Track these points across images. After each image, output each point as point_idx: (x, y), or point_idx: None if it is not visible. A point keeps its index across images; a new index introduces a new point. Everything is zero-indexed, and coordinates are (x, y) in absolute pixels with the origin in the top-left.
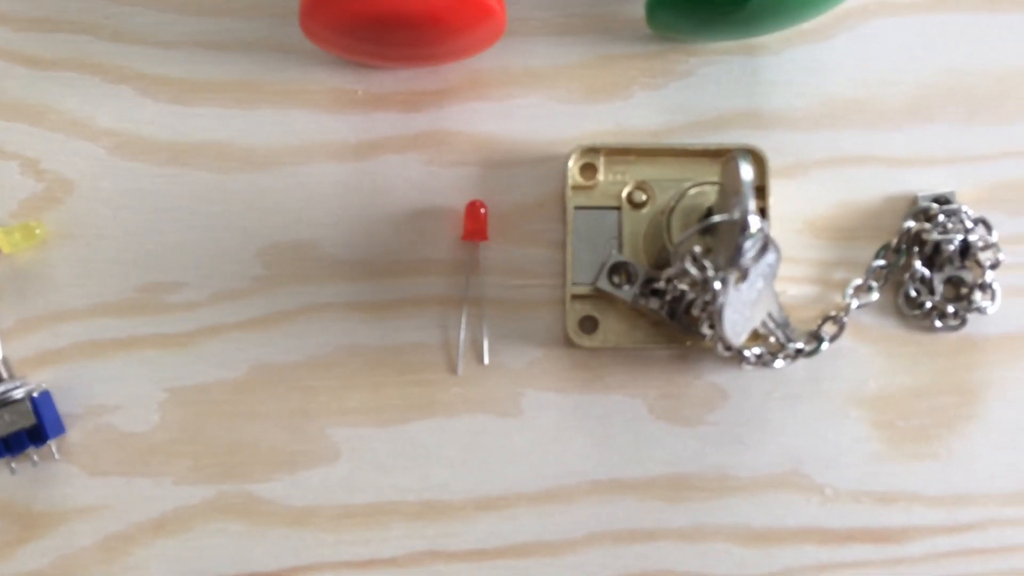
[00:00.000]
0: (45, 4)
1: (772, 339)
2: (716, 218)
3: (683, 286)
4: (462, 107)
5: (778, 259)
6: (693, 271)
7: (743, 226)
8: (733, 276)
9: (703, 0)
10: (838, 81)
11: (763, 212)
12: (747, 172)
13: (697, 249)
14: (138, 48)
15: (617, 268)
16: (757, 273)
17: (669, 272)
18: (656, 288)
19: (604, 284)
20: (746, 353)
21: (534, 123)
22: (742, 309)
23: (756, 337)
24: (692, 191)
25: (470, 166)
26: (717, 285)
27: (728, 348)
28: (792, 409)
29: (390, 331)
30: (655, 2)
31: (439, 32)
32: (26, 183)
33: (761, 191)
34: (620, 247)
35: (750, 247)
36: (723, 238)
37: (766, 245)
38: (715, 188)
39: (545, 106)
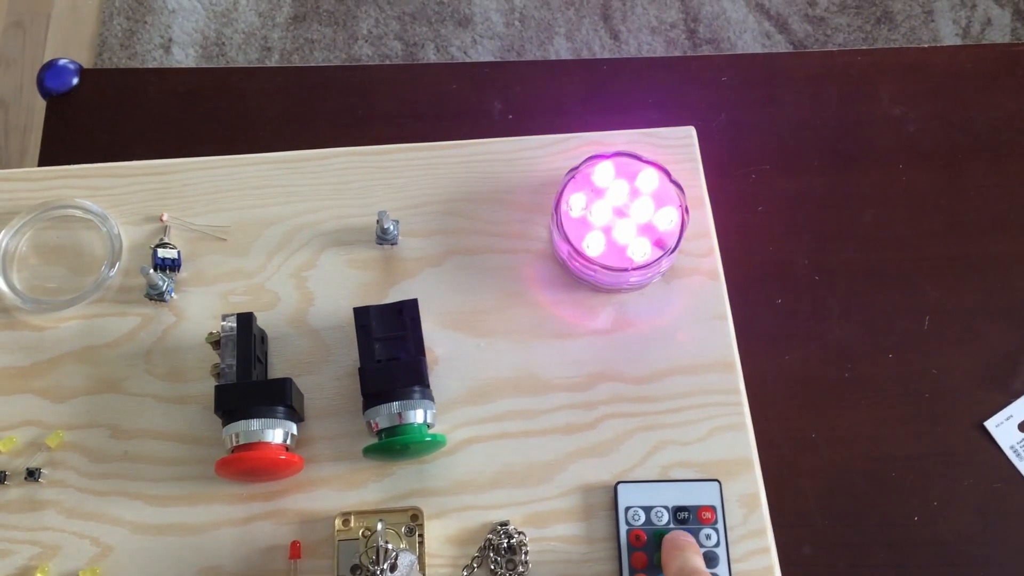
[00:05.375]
0: None
1: None
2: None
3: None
4: (293, 496)
5: (414, 560)
6: (372, 568)
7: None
8: (388, 568)
9: (390, 455)
10: (466, 472)
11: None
12: (382, 536)
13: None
14: None
15: (355, 567)
16: (404, 564)
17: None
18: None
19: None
20: None
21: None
22: None
23: None
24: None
25: (295, 524)
26: (380, 572)
27: None
28: None
29: None
30: (367, 450)
31: (274, 474)
32: None
33: (415, 516)
34: (358, 556)
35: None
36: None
37: (397, 558)
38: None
39: (327, 495)
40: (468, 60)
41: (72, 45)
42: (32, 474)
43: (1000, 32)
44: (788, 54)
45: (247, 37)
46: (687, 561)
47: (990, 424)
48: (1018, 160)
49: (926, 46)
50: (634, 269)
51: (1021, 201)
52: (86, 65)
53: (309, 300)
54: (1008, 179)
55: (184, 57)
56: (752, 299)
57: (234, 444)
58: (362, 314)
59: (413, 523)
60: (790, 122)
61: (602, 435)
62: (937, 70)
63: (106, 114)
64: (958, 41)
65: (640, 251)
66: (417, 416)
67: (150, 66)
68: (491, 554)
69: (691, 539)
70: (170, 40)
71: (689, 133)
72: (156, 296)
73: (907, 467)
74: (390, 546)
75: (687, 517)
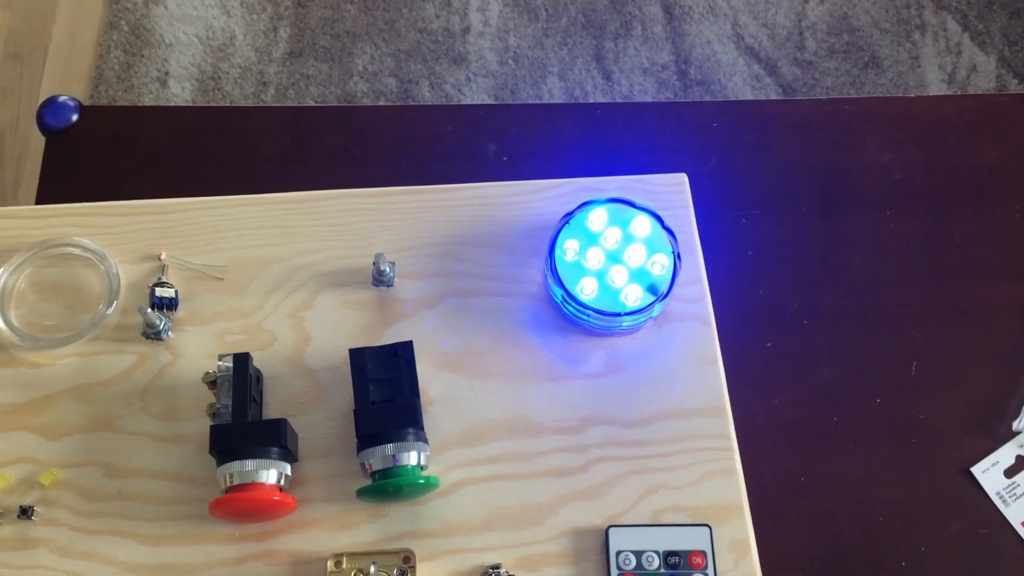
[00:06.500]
0: None
1: None
2: None
3: None
4: (286, 537)
5: None
6: None
7: None
8: None
9: (384, 497)
10: (458, 514)
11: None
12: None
13: None
14: None
15: None
16: None
17: None
18: None
19: None
20: None
21: (318, 544)
22: None
23: None
24: (371, 569)
25: (287, 565)
26: None
27: None
28: None
29: None
30: (361, 491)
31: (268, 515)
32: None
33: (407, 558)
34: None
35: None
36: None
37: None
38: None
39: (319, 536)
40: (462, 97)
41: (69, 77)
42: (25, 512)
43: (985, 78)
44: (778, 101)
45: (243, 72)
46: None
47: (976, 470)
48: (1001, 207)
49: (912, 96)
50: (627, 314)
51: (1005, 247)
52: (82, 97)
53: (305, 340)
54: (992, 225)
55: (180, 90)
56: (741, 342)
57: (228, 484)
58: (358, 356)
59: (405, 565)
60: (779, 168)
61: (593, 478)
62: (923, 119)
63: (105, 151)
64: (944, 87)
65: (633, 296)
66: (411, 458)
67: (146, 99)
68: None
69: None
70: (167, 74)
71: (681, 180)
72: (153, 335)
73: (894, 512)
74: None
75: (678, 562)
